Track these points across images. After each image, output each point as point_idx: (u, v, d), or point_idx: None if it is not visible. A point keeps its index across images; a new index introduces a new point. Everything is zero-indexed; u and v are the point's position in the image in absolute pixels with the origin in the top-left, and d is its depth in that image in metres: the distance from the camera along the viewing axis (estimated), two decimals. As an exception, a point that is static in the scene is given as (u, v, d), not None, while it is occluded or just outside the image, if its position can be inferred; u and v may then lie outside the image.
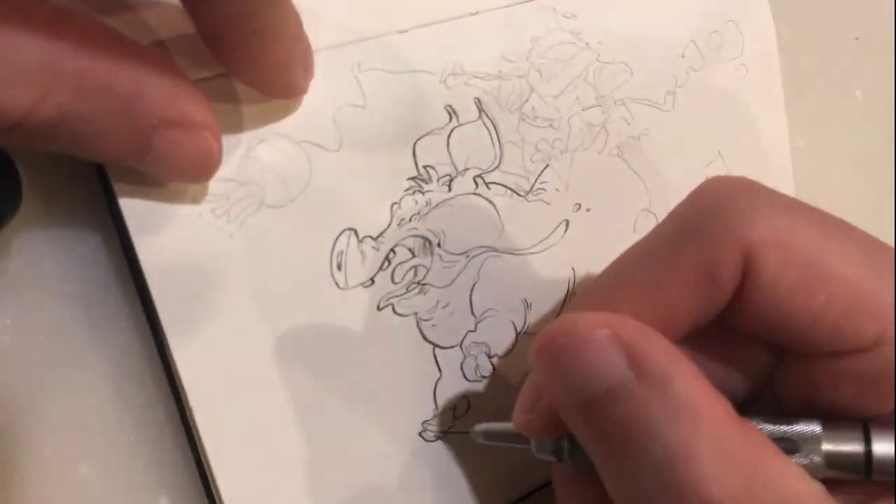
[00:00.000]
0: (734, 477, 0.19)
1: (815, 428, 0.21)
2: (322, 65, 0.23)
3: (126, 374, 0.23)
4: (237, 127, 0.22)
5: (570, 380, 0.20)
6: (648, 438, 0.19)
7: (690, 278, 0.22)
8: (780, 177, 0.33)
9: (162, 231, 0.22)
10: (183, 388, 0.22)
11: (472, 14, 0.26)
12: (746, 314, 0.22)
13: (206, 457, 0.23)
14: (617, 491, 0.20)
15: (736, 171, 0.31)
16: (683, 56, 0.30)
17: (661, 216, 0.30)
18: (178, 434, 0.24)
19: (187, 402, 0.23)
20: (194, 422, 0.23)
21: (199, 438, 0.23)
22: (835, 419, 0.21)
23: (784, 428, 0.21)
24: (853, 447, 0.20)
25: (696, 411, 0.19)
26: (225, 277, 0.23)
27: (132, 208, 0.21)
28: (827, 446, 0.21)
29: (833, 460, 0.20)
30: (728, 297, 0.22)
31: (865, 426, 0.20)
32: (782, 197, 0.22)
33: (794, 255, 0.21)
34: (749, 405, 0.24)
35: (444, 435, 0.26)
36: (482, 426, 0.25)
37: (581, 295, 0.24)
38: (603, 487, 0.22)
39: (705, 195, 0.22)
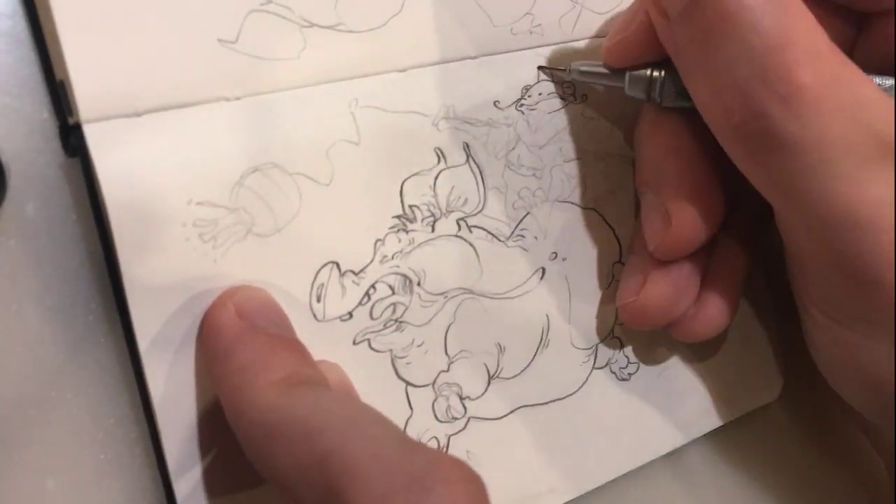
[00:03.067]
0: (822, 68, 0.21)
1: (888, 81, 0.23)
2: (321, 98, 0.24)
3: (101, 391, 0.23)
4: (231, 154, 0.23)
5: None
6: (749, 27, 0.21)
7: None
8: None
9: (149, 251, 0.22)
10: (153, 410, 0.22)
11: (472, 58, 0.27)
12: None
13: (170, 481, 0.23)
14: (710, 90, 0.22)
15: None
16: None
17: (634, 270, 0.31)
18: (150, 454, 0.23)
19: (156, 424, 0.22)
20: (161, 446, 0.22)
21: (166, 463, 0.23)
22: None
23: None
24: None
25: (794, 9, 0.21)
26: (205, 302, 0.23)
27: (122, 226, 0.21)
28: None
29: None
30: None
31: None
32: None
33: None
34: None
35: (412, 474, 0.26)
36: (577, 63, 0.27)
37: None
38: (684, 129, 0.26)
39: None
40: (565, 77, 0.28)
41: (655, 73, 0.26)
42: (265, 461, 0.19)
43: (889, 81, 0.23)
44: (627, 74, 0.26)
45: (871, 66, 0.24)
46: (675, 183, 0.26)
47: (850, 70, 0.21)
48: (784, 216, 0.23)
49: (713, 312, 0.28)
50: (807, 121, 0.21)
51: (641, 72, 0.26)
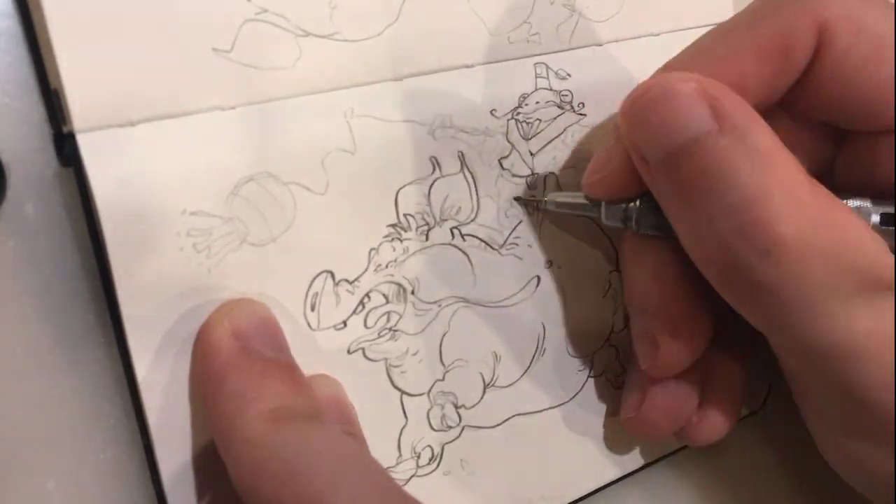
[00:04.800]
0: (802, 218, 0.21)
1: (866, 203, 0.23)
2: (317, 107, 0.24)
3: (100, 390, 0.23)
4: (226, 163, 0.23)
5: (658, 129, 0.22)
6: (727, 183, 0.21)
7: (765, 51, 0.24)
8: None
9: (142, 260, 0.22)
10: (144, 415, 0.22)
11: (468, 67, 0.26)
12: (814, 93, 0.24)
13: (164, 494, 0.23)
14: (692, 237, 0.23)
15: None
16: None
17: (630, 278, 0.31)
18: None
19: (149, 430, 0.22)
20: (153, 453, 0.22)
21: (158, 468, 0.23)
22: (885, 197, 0.23)
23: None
24: None
25: (771, 160, 0.21)
26: (198, 311, 0.23)
27: (116, 235, 0.21)
28: (875, 218, 0.23)
29: (881, 230, 0.23)
30: (799, 71, 0.24)
31: None
32: None
33: (865, 29, 0.23)
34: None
35: (406, 483, 0.26)
36: (553, 195, 0.28)
37: (662, 67, 0.26)
38: (667, 255, 0.26)
39: None
40: (542, 207, 0.28)
41: (631, 205, 0.25)
42: (250, 495, 0.20)
43: (867, 203, 0.24)
44: (603, 206, 0.26)
45: (852, 182, 0.25)
46: (660, 310, 0.27)
47: (834, 211, 0.21)
48: (775, 344, 0.24)
49: (715, 419, 0.29)
50: (788, 270, 0.21)
51: (617, 205, 0.26)
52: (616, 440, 0.31)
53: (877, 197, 0.24)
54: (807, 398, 0.25)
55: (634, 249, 0.27)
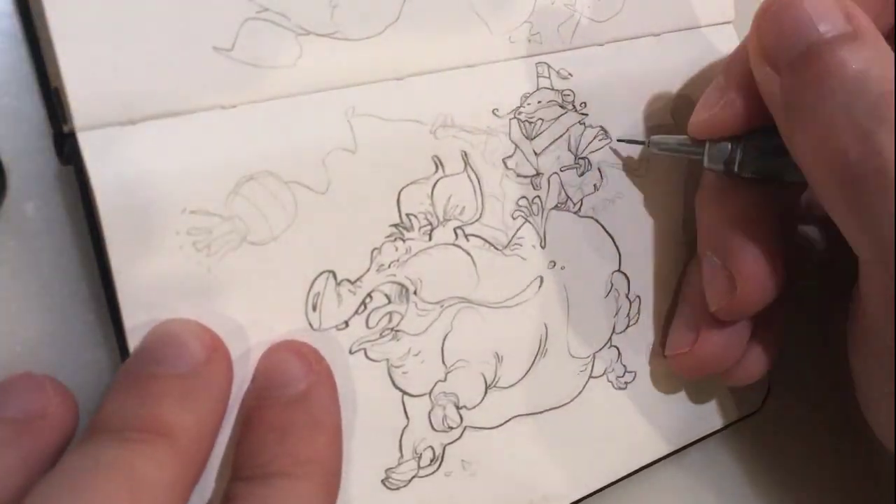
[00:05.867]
0: None
1: None
2: (317, 106, 0.24)
3: (101, 391, 0.23)
4: (227, 162, 0.22)
5: (796, 26, 0.24)
6: (863, 73, 0.22)
7: None
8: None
9: (141, 259, 0.21)
10: None
11: (470, 66, 0.26)
12: None
13: None
14: (822, 132, 0.23)
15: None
16: (661, 125, 0.30)
17: (633, 278, 0.31)
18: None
19: None
20: None
21: None
22: None
23: None
24: None
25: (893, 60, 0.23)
26: (198, 311, 0.23)
27: (116, 234, 0.21)
28: None
29: None
30: None
31: None
32: None
33: None
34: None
35: (407, 484, 0.26)
36: (657, 137, 0.29)
37: None
38: (754, 199, 0.27)
39: None
40: (645, 148, 0.29)
41: (734, 146, 0.27)
42: None
43: None
44: (707, 147, 0.27)
45: None
46: (741, 251, 0.27)
47: None
48: (872, 271, 0.24)
49: (757, 361, 0.30)
50: None
51: (722, 144, 0.27)
52: (618, 441, 0.31)
53: None
54: (880, 343, 0.24)
55: (718, 192, 0.29)
